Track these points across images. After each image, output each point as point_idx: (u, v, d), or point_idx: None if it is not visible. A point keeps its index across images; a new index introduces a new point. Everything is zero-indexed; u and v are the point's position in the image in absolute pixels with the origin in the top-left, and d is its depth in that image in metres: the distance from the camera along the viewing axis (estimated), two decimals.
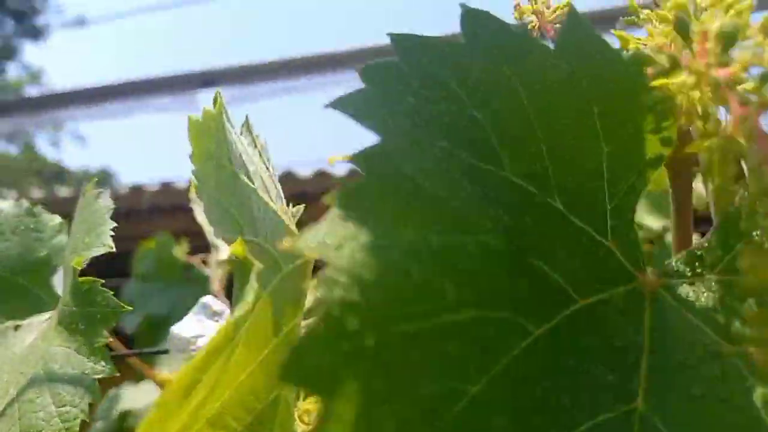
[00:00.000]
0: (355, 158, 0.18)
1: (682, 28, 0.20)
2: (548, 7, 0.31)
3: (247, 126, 0.28)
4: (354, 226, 0.17)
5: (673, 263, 0.24)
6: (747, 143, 0.20)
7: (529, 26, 0.31)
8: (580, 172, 0.22)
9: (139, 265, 1.23)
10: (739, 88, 0.21)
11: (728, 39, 0.19)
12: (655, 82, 0.22)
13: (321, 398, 0.15)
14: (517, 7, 0.31)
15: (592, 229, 0.23)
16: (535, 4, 0.31)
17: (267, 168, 0.27)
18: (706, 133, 0.21)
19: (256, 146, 0.27)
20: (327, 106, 0.19)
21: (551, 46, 0.22)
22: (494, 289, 0.19)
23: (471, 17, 0.21)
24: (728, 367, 0.21)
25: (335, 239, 0.17)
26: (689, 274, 0.23)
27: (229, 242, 0.23)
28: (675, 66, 0.20)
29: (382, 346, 0.17)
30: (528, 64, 0.22)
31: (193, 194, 0.23)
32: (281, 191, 0.26)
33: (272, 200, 0.24)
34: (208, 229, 0.23)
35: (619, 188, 0.23)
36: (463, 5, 0.22)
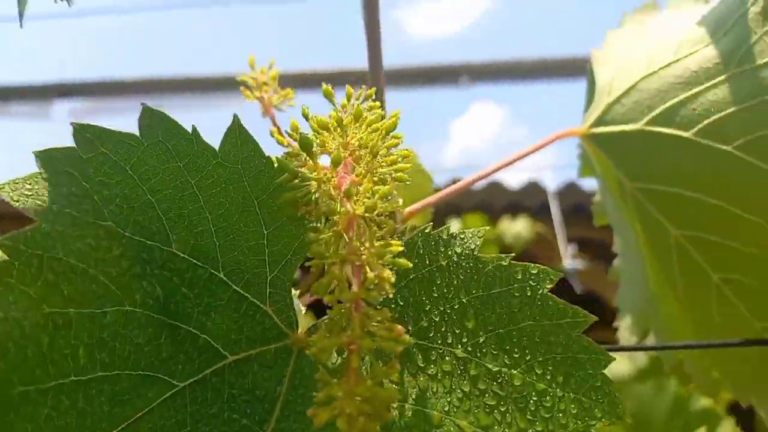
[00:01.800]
0: (1, 242, 0.21)
1: (304, 144, 0.25)
2: (276, 92, 0.36)
3: None
4: None
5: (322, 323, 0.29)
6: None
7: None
8: (245, 249, 0.27)
9: None
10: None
11: (336, 160, 0.25)
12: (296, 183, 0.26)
13: None
14: (243, 91, 0.36)
15: (252, 295, 0.27)
16: (259, 91, 0.36)
17: None
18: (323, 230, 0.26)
19: None
20: None
21: (216, 148, 0.26)
22: (134, 352, 0.23)
23: (147, 115, 0.25)
24: None
25: None
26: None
27: None
28: (295, 174, 0.25)
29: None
30: (197, 160, 0.26)
31: None
32: None
33: None
34: None
35: (278, 263, 0.28)
36: (143, 104, 0.25)
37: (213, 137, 0.27)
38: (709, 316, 0.40)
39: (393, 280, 0.22)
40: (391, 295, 0.25)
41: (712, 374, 0.42)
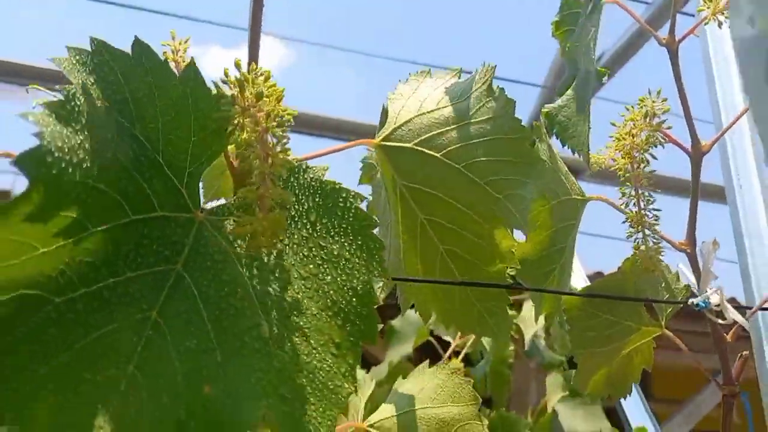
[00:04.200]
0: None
1: (239, 83, 0.41)
2: (183, 56, 0.51)
3: None
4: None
5: (215, 208, 0.44)
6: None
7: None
8: (177, 146, 0.41)
9: None
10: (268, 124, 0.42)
11: (258, 96, 0.41)
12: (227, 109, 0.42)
13: None
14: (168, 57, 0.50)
15: (176, 180, 0.41)
16: (174, 55, 0.50)
17: None
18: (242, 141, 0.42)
19: None
20: None
21: (177, 74, 0.41)
22: (128, 189, 0.36)
23: (137, 44, 0.39)
24: (227, 255, 0.42)
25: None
26: (221, 214, 0.44)
27: None
28: (233, 103, 0.41)
29: None
30: (162, 79, 0.40)
31: None
32: None
33: None
34: None
35: (196, 162, 0.42)
36: (136, 36, 0.39)
37: None
38: (434, 271, 0.63)
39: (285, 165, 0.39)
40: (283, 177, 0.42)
41: (431, 311, 0.65)
